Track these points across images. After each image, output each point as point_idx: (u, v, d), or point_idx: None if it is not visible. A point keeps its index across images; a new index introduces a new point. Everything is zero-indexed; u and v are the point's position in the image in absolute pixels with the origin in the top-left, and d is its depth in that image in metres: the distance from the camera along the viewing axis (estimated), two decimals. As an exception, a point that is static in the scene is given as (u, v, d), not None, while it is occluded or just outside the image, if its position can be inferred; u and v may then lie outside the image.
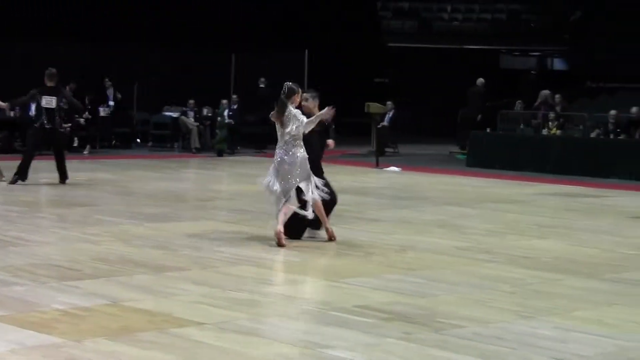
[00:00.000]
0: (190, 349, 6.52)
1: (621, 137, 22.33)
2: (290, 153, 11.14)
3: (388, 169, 21.99)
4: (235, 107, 26.38)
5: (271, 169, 11.36)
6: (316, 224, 11.34)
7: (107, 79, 25.91)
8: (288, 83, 11.33)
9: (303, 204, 10.98)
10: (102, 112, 25.24)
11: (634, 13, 30.41)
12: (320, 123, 11.35)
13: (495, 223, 13.44)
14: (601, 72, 31.17)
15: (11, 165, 16.65)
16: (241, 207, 14.28)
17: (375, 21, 35.87)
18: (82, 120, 24.40)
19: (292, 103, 11.16)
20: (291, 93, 11.21)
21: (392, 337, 6.97)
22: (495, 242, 11.77)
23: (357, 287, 8.70)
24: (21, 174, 16.20)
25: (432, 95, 32.72)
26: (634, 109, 22.46)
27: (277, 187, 11.09)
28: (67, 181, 16.54)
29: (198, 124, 26.09)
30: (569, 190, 18.50)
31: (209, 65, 27.78)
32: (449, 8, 36.52)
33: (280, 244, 10.66)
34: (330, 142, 11.97)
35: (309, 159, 11.21)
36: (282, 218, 10.86)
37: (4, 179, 16.36)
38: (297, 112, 11.15)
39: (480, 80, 26.74)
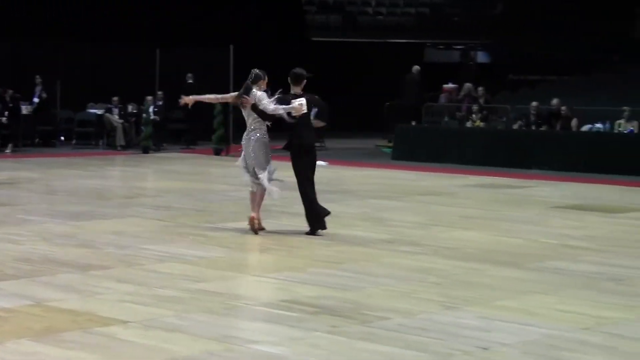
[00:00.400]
0: (115, 347, 6.48)
1: (543, 128, 22.66)
2: (248, 136, 11.71)
3: (323, 163, 22.01)
4: (160, 103, 26.20)
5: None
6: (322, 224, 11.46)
7: (37, 76, 25.58)
8: (255, 70, 11.75)
9: None
10: (25, 110, 24.88)
11: (554, 6, 30.89)
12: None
13: (420, 215, 13.55)
14: (522, 64, 31.61)
15: None
16: (167, 204, 14.20)
17: (300, 15, 35.89)
18: (3, 118, 24.03)
19: (258, 88, 11.52)
20: (257, 79, 11.61)
21: (318, 331, 7.00)
22: (420, 234, 11.87)
23: (284, 282, 8.72)
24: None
25: (357, 89, 32.85)
26: (554, 101, 22.81)
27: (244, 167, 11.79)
28: (-11, 181, 16.30)
29: (123, 121, 25.85)
30: (493, 181, 18.74)
31: (133, 61, 27.50)
32: (373, 2, 36.69)
33: (253, 230, 11.21)
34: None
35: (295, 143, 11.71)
36: (254, 205, 11.43)
37: None
38: (262, 94, 11.51)
39: (416, 68, 26.86)
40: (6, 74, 24.86)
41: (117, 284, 8.48)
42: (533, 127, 22.85)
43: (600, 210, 14.53)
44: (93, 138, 26.46)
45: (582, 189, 17.76)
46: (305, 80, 11.79)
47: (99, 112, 26.28)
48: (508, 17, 33.04)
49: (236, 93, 11.84)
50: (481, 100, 24.78)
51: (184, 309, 7.58)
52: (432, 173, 20.16)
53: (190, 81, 27.16)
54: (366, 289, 8.55)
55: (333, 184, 17.67)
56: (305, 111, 11.61)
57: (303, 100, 11.55)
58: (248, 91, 11.53)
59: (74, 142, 26.31)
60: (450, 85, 26.74)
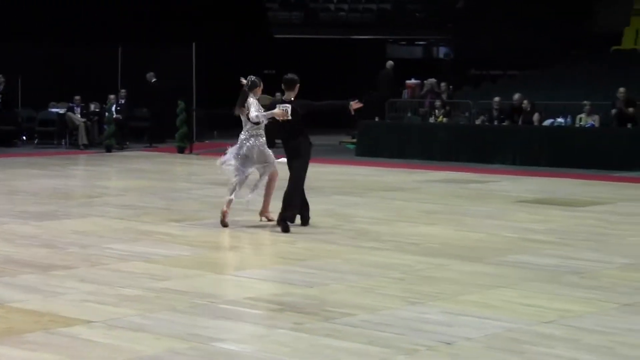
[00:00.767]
0: (79, 347, 6.45)
1: (505, 123, 22.80)
2: (250, 142, 11.97)
3: (278, 160, 21.98)
4: (122, 101, 26.08)
5: (233, 149, 12.15)
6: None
7: (0, 75, 25.41)
8: (251, 77, 12.13)
9: None
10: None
11: (515, 1, 31.08)
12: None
13: (383, 211, 13.59)
14: (484, 60, 31.80)
15: None
16: (130, 203, 14.15)
17: (262, 12, 35.84)
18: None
19: (254, 95, 11.95)
20: (254, 86, 12.00)
21: (282, 328, 7.01)
22: (383, 229, 11.91)
23: (247, 279, 8.72)
24: None
25: (319, 86, 32.88)
26: (516, 96, 22.95)
27: (232, 163, 12.10)
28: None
29: (85, 119, 25.71)
30: (456, 176, 18.83)
31: (95, 59, 27.34)
32: (335, -1, 36.74)
33: (223, 223, 11.60)
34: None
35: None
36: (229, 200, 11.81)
37: None
38: (252, 101, 11.92)
39: (390, 63, 26.96)
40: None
41: (80, 283, 8.44)
42: (495, 122, 22.98)
43: (563, 204, 14.64)
44: (55, 137, 26.29)
45: (545, 183, 17.89)
46: (298, 85, 12.05)
47: (61, 111, 26.11)
48: (469, 13, 33.21)
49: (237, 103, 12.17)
50: (444, 96, 24.88)
51: (147, 308, 7.56)
52: (395, 169, 20.22)
53: (154, 80, 27.06)
54: (330, 285, 8.57)
55: (297, 180, 17.67)
56: (289, 118, 11.83)
57: (288, 107, 11.83)
58: (245, 98, 11.96)
59: (36, 141, 26.14)
60: (413, 81, 26.83)
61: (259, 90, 12.11)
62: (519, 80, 27.28)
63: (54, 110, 26.45)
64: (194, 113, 26.57)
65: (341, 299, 7.97)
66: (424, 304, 7.82)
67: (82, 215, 12.84)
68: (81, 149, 24.90)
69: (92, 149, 24.85)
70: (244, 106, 11.95)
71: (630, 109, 21.19)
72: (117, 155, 23.67)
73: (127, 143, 25.78)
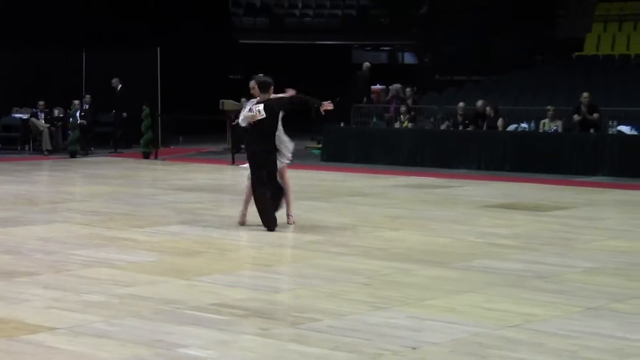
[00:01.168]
0: (43, 355, 6.40)
1: (470, 128, 22.90)
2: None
3: (244, 165, 21.90)
4: (87, 107, 25.93)
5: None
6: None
7: None
8: (263, 78, 12.19)
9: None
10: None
11: (479, 7, 31.26)
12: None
13: (348, 216, 13.60)
14: (448, 65, 31.94)
15: None
16: (95, 209, 14.06)
17: (227, 18, 35.82)
18: None
19: (267, 94, 12.02)
20: (265, 85, 12.05)
21: (248, 334, 6.99)
22: (348, 234, 11.92)
23: (212, 285, 8.69)
24: None
25: (284, 91, 32.92)
26: (479, 102, 23.06)
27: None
28: None
29: (49, 125, 25.54)
30: (421, 181, 18.89)
31: (58, 64, 27.19)
32: (300, 4, 36.77)
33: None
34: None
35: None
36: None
37: None
38: (248, 103, 12.30)
39: (366, 65, 27.02)
40: None
41: (44, 290, 8.38)
42: (460, 128, 23.08)
43: (527, 209, 14.73)
44: (19, 143, 26.09)
45: (509, 188, 17.99)
46: (272, 87, 12.10)
47: (25, 116, 25.93)
48: (434, 18, 33.35)
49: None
50: (409, 101, 24.96)
51: (112, 315, 7.51)
52: (360, 174, 20.26)
53: (120, 85, 26.92)
54: (296, 290, 8.56)
55: (262, 186, 17.65)
56: (260, 117, 11.92)
57: (260, 107, 11.90)
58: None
59: (-2, 147, 25.94)
60: (378, 86, 26.90)
61: (271, 88, 12.11)
62: (483, 85, 27.43)
63: (17, 115, 26.26)
64: (159, 118, 26.48)
65: (307, 304, 7.97)
66: (389, 309, 7.83)
67: (46, 222, 12.75)
68: (45, 155, 24.73)
69: (56, 155, 24.69)
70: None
71: (595, 115, 21.36)
72: (81, 160, 23.53)
73: (92, 149, 25.64)
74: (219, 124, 27.40)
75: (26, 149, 25.86)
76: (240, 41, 35.47)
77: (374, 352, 6.57)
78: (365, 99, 26.02)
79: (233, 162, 22.64)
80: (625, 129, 21.51)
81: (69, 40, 27.40)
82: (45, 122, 25.50)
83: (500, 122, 22.49)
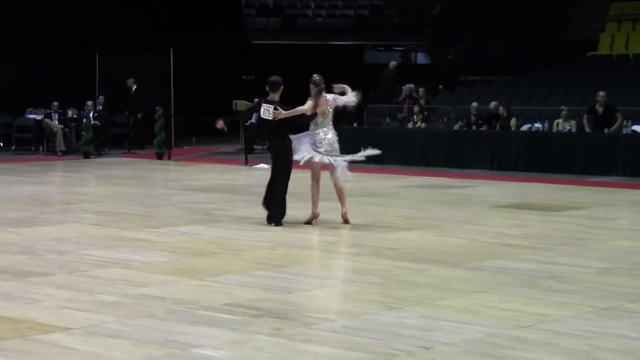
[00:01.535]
0: (57, 355, 6.42)
1: (483, 128, 22.87)
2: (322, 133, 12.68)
3: (257, 166, 22.01)
4: (100, 108, 26.00)
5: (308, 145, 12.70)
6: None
7: None
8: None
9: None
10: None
11: (490, 8, 31.21)
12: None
13: (361, 216, 13.59)
14: (461, 65, 31.90)
15: None
16: (108, 209, 14.10)
17: (240, 18, 35.86)
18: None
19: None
20: (319, 85, 12.71)
21: (261, 334, 7.00)
22: (362, 235, 11.92)
23: (226, 285, 8.70)
24: None
25: (297, 91, 32.95)
26: (492, 104, 23.03)
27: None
28: None
29: (63, 126, 25.62)
30: (434, 182, 18.88)
31: (72, 65, 27.27)
32: (312, 4, 36.78)
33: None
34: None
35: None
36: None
37: None
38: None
39: (393, 64, 27.06)
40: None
41: (58, 290, 8.41)
42: (473, 128, 23.05)
43: (540, 209, 14.70)
44: (33, 144, 26.19)
45: (522, 188, 17.96)
46: (281, 87, 12.70)
47: (39, 117, 26.01)
48: (445, 18, 33.33)
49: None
50: (422, 102, 24.94)
51: (126, 315, 7.53)
52: (373, 174, 20.24)
53: (135, 86, 27.00)
54: (309, 291, 8.57)
55: (275, 186, 17.66)
56: (269, 118, 12.41)
57: (270, 107, 12.39)
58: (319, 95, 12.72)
59: (13, 148, 26.03)
60: None
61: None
62: (495, 85, 27.39)
63: (31, 116, 26.36)
64: (172, 119, 26.53)
65: (320, 305, 7.98)
66: (402, 309, 7.82)
67: (59, 222, 12.79)
68: (59, 156, 24.81)
69: (69, 156, 24.76)
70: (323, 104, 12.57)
71: (617, 114, 21.28)
72: (95, 161, 23.60)
73: (105, 149, 25.70)
74: (232, 124, 27.40)
75: (40, 149, 25.95)
76: (253, 42, 35.50)
77: (388, 352, 6.57)
78: (389, 98, 25.95)
79: (246, 163, 22.67)
80: (639, 128, 21.44)
81: (82, 41, 27.49)
82: (59, 123, 25.58)
83: (513, 122, 22.46)
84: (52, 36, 27.57)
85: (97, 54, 27.94)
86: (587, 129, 21.54)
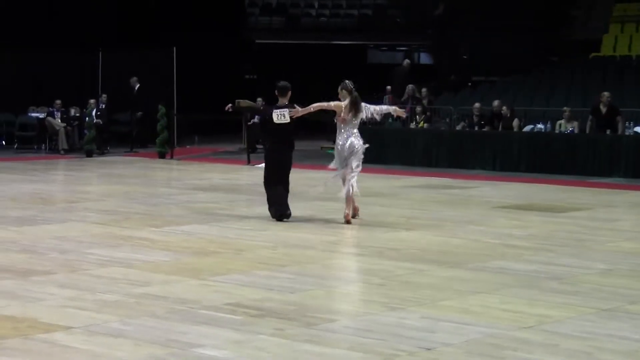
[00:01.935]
0: (58, 354, 6.43)
1: (485, 129, 22.87)
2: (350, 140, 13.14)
3: (260, 165, 21.95)
4: (103, 106, 26.01)
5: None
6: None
7: None
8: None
9: None
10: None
11: (494, 8, 31.20)
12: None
13: (363, 216, 13.59)
14: (464, 65, 31.89)
15: None
16: (110, 208, 14.11)
17: (243, 17, 35.85)
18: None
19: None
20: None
21: (263, 334, 7.00)
22: (363, 235, 11.93)
23: (228, 285, 8.71)
24: None
25: (300, 91, 32.93)
26: (495, 102, 23.03)
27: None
28: None
29: (65, 124, 25.63)
30: (436, 182, 18.88)
31: (75, 64, 27.28)
32: (316, 4, 36.78)
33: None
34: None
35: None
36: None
37: None
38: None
39: (407, 62, 27.12)
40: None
41: (60, 289, 8.41)
42: (476, 128, 23.05)
43: (542, 210, 14.70)
44: (35, 142, 26.20)
45: (524, 189, 17.96)
46: (290, 92, 13.02)
47: (41, 115, 26.03)
48: (450, 19, 33.32)
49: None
50: (424, 102, 24.93)
51: (127, 314, 7.54)
52: (375, 174, 20.23)
53: (138, 85, 27.03)
54: (310, 291, 8.57)
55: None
56: (283, 121, 12.82)
57: (286, 111, 12.80)
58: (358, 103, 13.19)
59: (15, 146, 26.04)
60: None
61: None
62: (499, 86, 27.39)
63: (33, 114, 26.37)
64: (175, 118, 26.54)
65: (322, 305, 7.98)
66: (404, 310, 7.83)
67: (62, 221, 12.80)
68: (61, 154, 24.82)
69: (72, 154, 24.78)
70: (360, 111, 13.01)
71: (618, 118, 21.26)
72: (97, 160, 23.61)
73: (108, 148, 25.71)
74: (235, 123, 27.45)
75: (42, 148, 25.96)
76: (256, 41, 35.50)
77: (389, 352, 6.57)
78: (402, 95, 25.99)
79: (249, 162, 22.68)
80: (641, 130, 21.44)
81: (85, 40, 27.49)
82: (61, 121, 25.60)
83: (516, 122, 22.45)
84: (55, 34, 27.58)
85: (100, 53, 27.95)
86: (588, 130, 21.52)
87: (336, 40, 35.47)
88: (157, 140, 24.33)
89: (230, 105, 14.35)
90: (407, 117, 24.62)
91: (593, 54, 28.39)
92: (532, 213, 14.33)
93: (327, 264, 9.91)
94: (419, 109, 24.24)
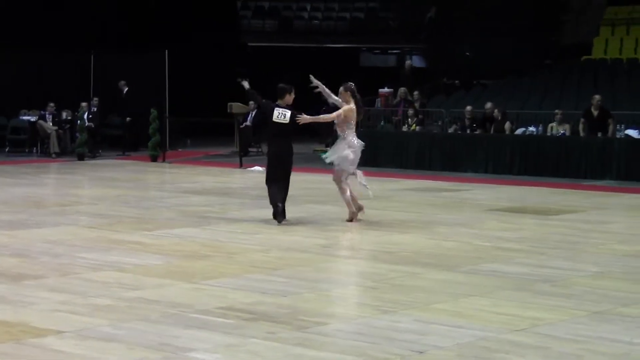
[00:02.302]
0: (50, 358, 6.42)
1: (477, 131, 22.88)
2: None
3: (252, 168, 22.01)
4: (95, 109, 25.97)
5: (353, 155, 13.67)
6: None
7: None
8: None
9: None
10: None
11: (486, 11, 31.23)
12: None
13: (356, 219, 13.58)
14: (456, 68, 31.91)
15: None
16: (102, 212, 14.09)
17: (236, 20, 35.84)
18: None
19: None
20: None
21: (255, 338, 7.00)
22: (356, 238, 11.93)
23: (219, 289, 8.70)
24: None
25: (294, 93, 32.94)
26: (487, 105, 23.06)
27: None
28: None
29: (57, 127, 25.59)
30: (428, 185, 18.89)
31: (67, 67, 27.23)
32: (308, 7, 36.79)
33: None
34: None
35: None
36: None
37: None
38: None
39: (408, 63, 27.19)
40: None
41: (52, 293, 8.39)
42: (468, 131, 23.07)
43: (534, 213, 14.72)
44: (27, 145, 26.15)
45: (516, 192, 17.98)
46: (287, 93, 13.39)
47: (33, 119, 25.98)
48: (442, 22, 33.35)
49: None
50: (417, 105, 24.94)
51: (119, 318, 7.53)
52: (368, 177, 20.14)
53: (126, 88, 27.00)
54: (303, 294, 8.57)
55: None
56: (286, 122, 13.17)
57: (287, 112, 13.13)
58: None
59: (7, 149, 25.99)
60: (386, 89, 26.89)
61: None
62: (491, 89, 27.41)
63: (25, 118, 26.32)
64: (167, 121, 26.52)
65: (314, 308, 7.97)
66: (396, 313, 7.83)
67: (53, 224, 12.78)
68: (53, 157, 24.78)
69: (64, 157, 24.73)
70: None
71: (609, 120, 21.30)
72: (89, 163, 23.57)
73: (100, 151, 25.67)
74: (227, 126, 27.42)
75: (34, 151, 25.91)
76: (249, 44, 35.48)
77: (381, 356, 6.57)
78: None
79: (241, 165, 22.66)
80: (633, 132, 21.47)
81: (77, 43, 27.44)
82: (53, 124, 25.55)
83: (507, 125, 22.47)
84: (47, 37, 27.49)
85: (92, 56, 27.90)
86: (582, 133, 21.56)
87: (329, 43, 35.48)
88: (149, 144, 24.30)
89: (245, 81, 14.35)
90: (399, 119, 24.69)
91: (584, 57, 28.44)
92: (524, 216, 14.35)
93: (320, 267, 9.90)
94: (411, 111, 24.25)
